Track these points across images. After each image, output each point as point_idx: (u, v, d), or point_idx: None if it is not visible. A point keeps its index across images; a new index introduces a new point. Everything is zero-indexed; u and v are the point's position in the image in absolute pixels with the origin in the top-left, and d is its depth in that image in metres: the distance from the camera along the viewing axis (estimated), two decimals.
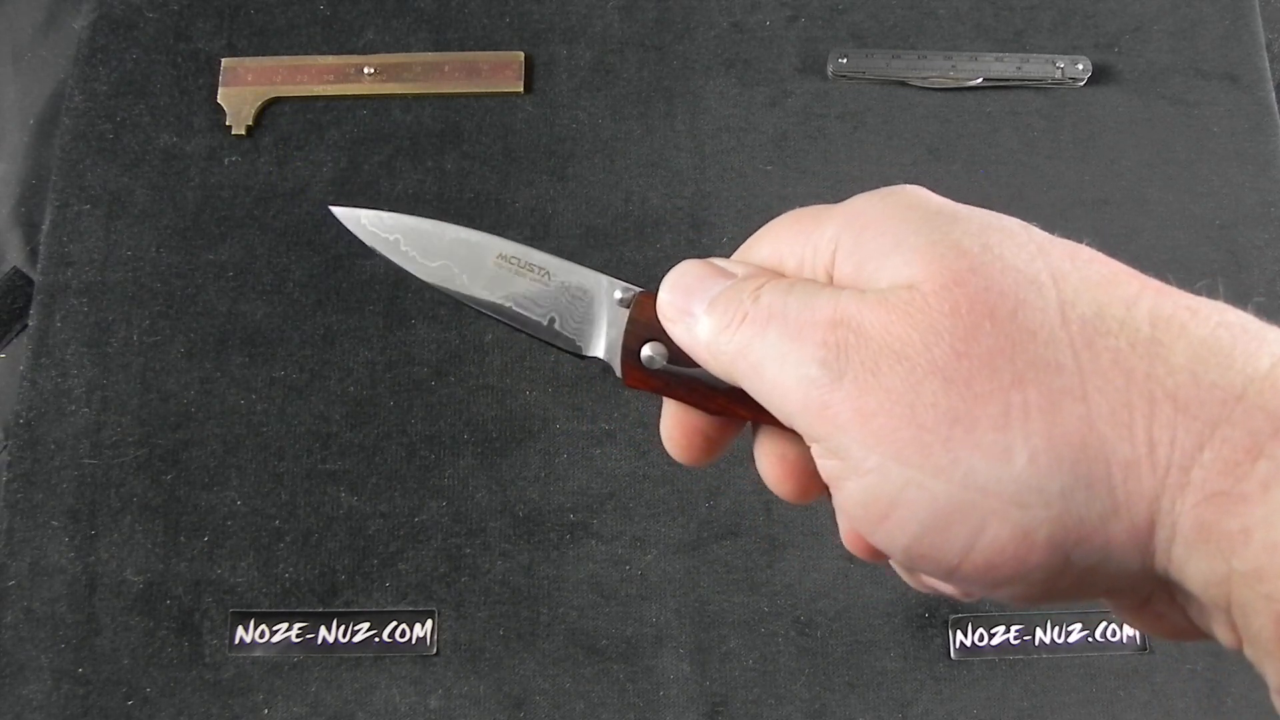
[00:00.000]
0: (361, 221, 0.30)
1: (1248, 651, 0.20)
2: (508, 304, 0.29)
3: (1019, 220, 0.22)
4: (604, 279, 0.29)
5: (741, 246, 0.27)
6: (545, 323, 0.29)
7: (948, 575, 0.21)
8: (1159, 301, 0.20)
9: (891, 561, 0.25)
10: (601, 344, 0.29)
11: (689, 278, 0.26)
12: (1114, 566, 0.20)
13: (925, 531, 0.21)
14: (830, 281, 0.24)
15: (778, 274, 0.25)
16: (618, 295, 0.29)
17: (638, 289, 0.29)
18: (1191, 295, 0.21)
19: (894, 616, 0.51)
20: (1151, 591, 0.21)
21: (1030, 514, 0.19)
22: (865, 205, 0.23)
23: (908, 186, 0.24)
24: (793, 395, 0.22)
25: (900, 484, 0.20)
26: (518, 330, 0.29)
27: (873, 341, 0.21)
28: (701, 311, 0.25)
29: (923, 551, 0.21)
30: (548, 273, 0.30)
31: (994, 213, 0.22)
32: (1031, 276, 0.20)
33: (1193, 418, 0.19)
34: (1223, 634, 0.20)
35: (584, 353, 0.29)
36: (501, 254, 0.30)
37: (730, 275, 0.25)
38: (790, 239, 0.25)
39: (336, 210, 0.31)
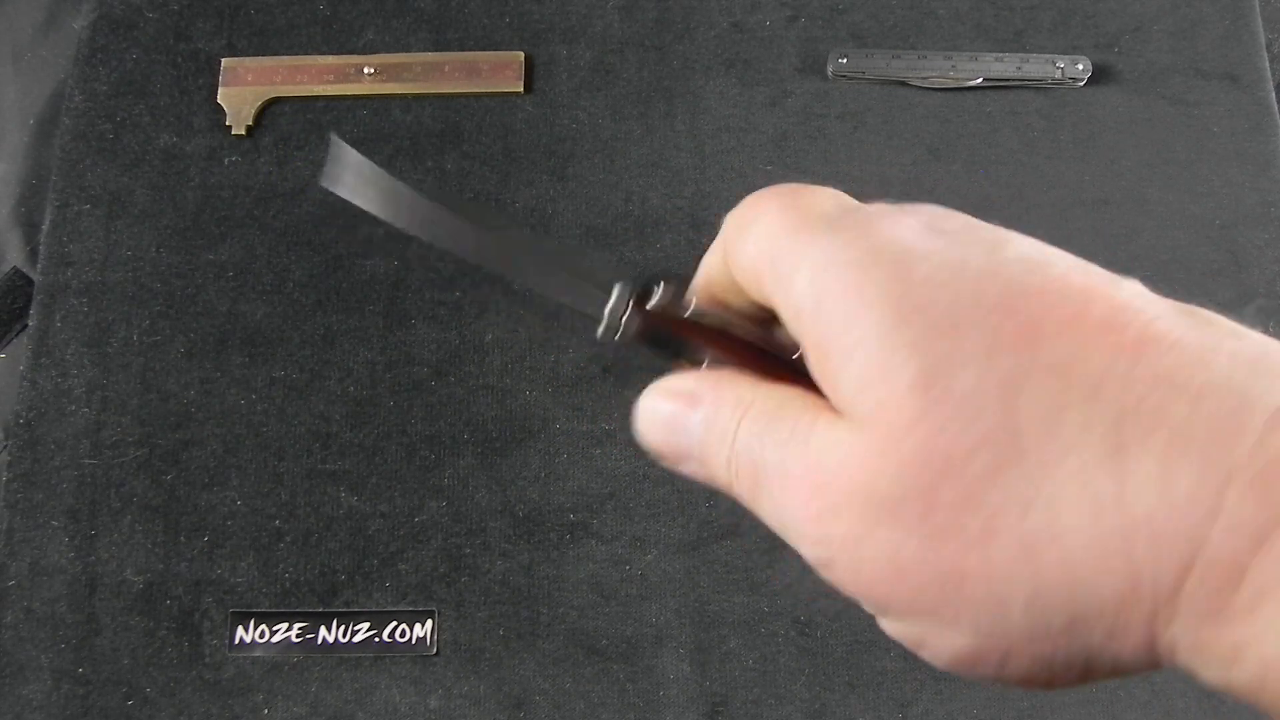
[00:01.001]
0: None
1: None
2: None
3: (986, 265, 0.20)
4: (606, 280, 0.26)
5: (729, 240, 0.24)
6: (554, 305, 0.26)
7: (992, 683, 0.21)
8: (1133, 372, 0.18)
9: None
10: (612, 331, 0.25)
11: (657, 429, 0.24)
12: (1130, 668, 0.19)
13: (957, 664, 0.20)
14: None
15: (740, 382, 0.23)
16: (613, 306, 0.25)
17: (626, 307, 0.25)
18: (1188, 326, 0.19)
19: None
20: None
21: (1042, 646, 0.19)
22: (831, 267, 0.21)
23: (879, 228, 0.21)
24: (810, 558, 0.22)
25: (919, 631, 0.20)
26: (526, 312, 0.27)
27: (853, 506, 0.20)
28: (698, 467, 0.24)
29: (961, 672, 0.21)
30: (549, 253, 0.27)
31: (967, 264, 0.20)
32: (982, 399, 0.19)
33: (1174, 538, 0.18)
34: None
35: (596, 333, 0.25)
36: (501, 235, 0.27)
37: (691, 399, 0.23)
38: (771, 248, 0.23)
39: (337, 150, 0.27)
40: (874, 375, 0.20)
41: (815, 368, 0.21)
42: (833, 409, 0.21)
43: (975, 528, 0.19)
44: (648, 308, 0.24)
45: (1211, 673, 0.18)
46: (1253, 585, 0.17)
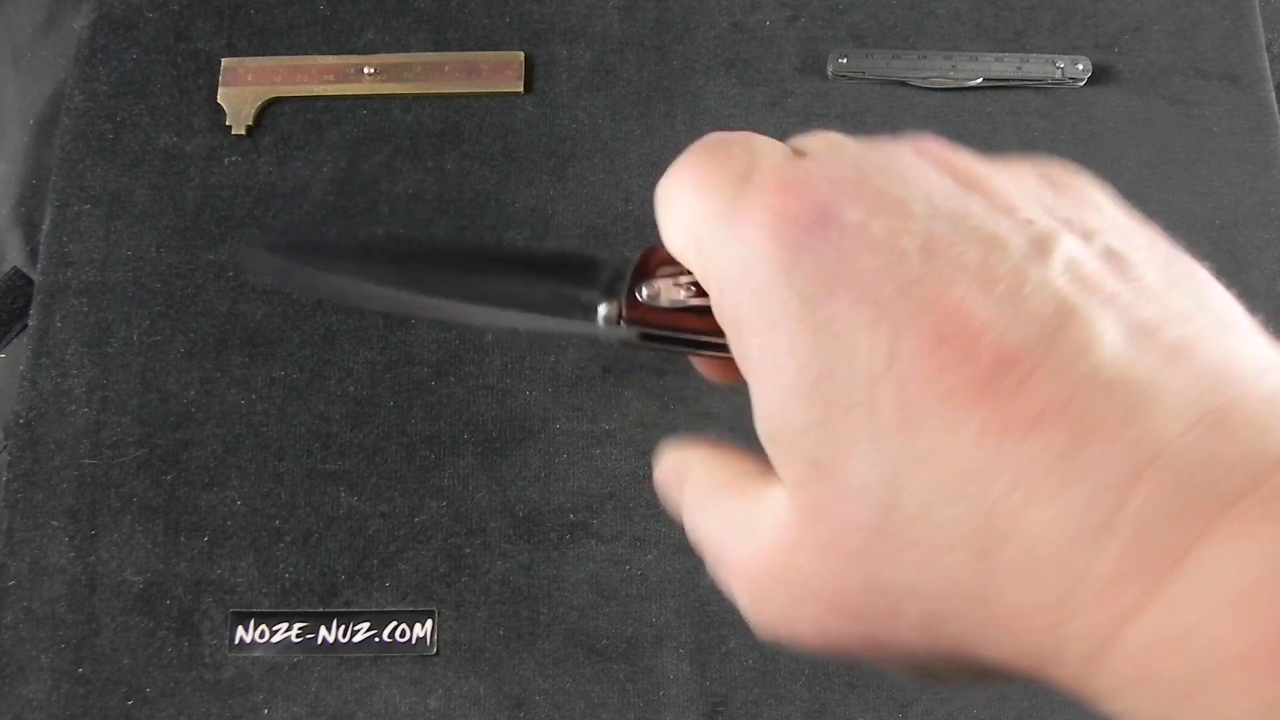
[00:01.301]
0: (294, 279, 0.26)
1: None
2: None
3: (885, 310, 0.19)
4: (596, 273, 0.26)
5: (660, 225, 0.24)
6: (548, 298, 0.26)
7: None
8: (992, 493, 0.18)
9: None
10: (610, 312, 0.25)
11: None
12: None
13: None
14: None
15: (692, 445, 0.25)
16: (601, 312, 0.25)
17: (616, 310, 0.25)
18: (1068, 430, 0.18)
19: None
20: None
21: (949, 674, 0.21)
22: (731, 280, 0.21)
23: (784, 206, 0.20)
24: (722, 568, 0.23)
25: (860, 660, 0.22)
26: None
27: (782, 589, 0.21)
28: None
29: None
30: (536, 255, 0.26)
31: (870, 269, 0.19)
32: (873, 494, 0.19)
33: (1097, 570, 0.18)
34: None
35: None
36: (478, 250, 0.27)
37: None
38: (691, 241, 0.23)
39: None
40: (782, 435, 0.20)
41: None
42: (766, 469, 0.22)
43: (882, 609, 0.20)
44: (630, 315, 0.24)
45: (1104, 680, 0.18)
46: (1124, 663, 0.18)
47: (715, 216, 0.22)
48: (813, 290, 0.20)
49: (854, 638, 0.21)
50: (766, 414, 0.21)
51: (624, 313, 0.25)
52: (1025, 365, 0.18)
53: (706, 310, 0.23)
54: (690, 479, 0.24)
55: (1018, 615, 0.18)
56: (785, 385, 0.20)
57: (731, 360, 0.22)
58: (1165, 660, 0.17)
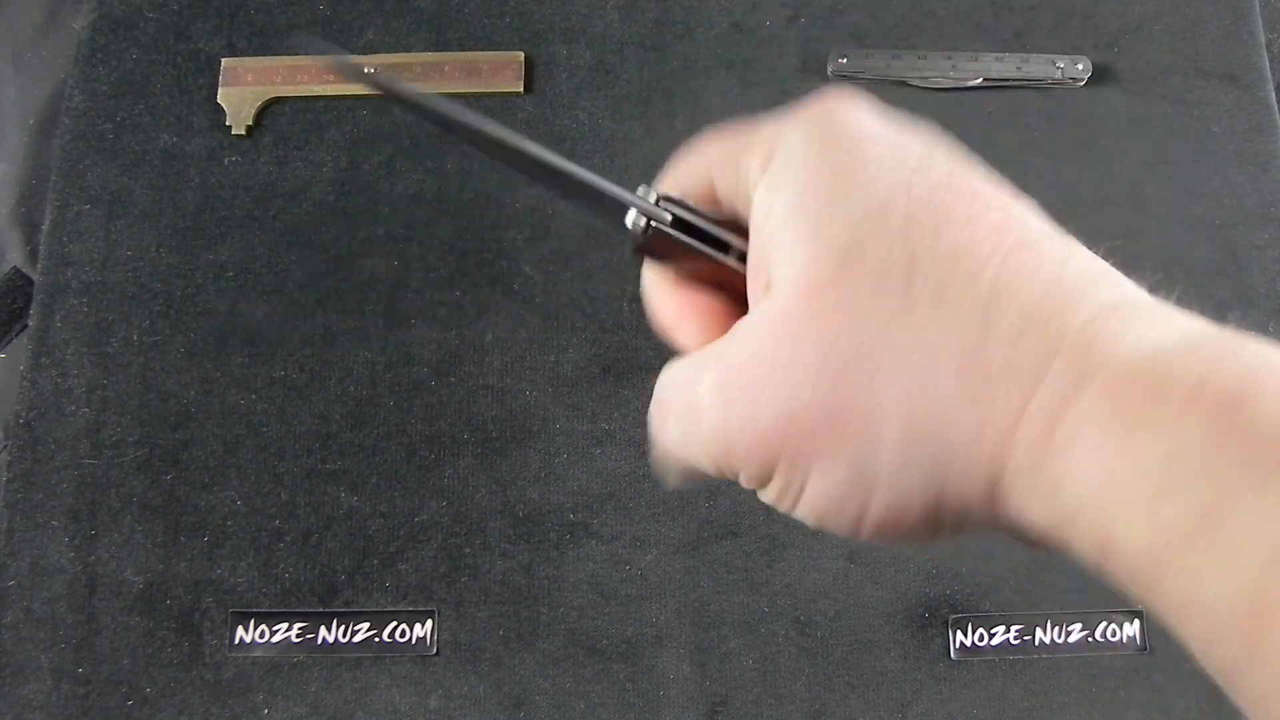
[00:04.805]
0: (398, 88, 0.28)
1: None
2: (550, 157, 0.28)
3: (923, 162, 0.25)
4: (609, 191, 0.28)
5: (673, 170, 0.29)
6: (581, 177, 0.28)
7: (853, 534, 0.25)
8: (1006, 263, 0.23)
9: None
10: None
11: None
12: (976, 518, 0.23)
13: (825, 511, 0.24)
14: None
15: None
16: (628, 222, 0.28)
17: (646, 215, 0.28)
18: (1054, 242, 0.24)
19: (894, 616, 0.51)
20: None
21: (903, 487, 0.23)
22: (786, 154, 0.25)
23: (835, 117, 0.26)
24: (704, 438, 0.25)
25: (799, 480, 0.24)
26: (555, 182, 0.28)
27: (755, 365, 0.24)
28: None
29: (824, 525, 0.25)
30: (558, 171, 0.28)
31: (909, 156, 0.25)
32: (890, 271, 0.23)
33: (1016, 388, 0.22)
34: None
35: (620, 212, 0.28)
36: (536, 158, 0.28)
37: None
38: (718, 164, 0.28)
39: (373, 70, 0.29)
40: (808, 238, 0.24)
41: (756, 238, 0.25)
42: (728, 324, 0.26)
43: (866, 370, 0.23)
44: (663, 214, 0.28)
45: (1036, 512, 0.22)
46: (1067, 426, 0.21)
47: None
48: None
49: (818, 405, 0.23)
50: (804, 213, 0.24)
51: (657, 198, 0.28)
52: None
53: (726, 228, 0.27)
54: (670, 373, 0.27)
55: (1000, 370, 0.22)
56: (825, 193, 0.24)
57: (714, 300, 0.28)
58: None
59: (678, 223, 0.28)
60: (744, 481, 0.25)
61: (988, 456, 0.22)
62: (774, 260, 0.24)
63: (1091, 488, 0.21)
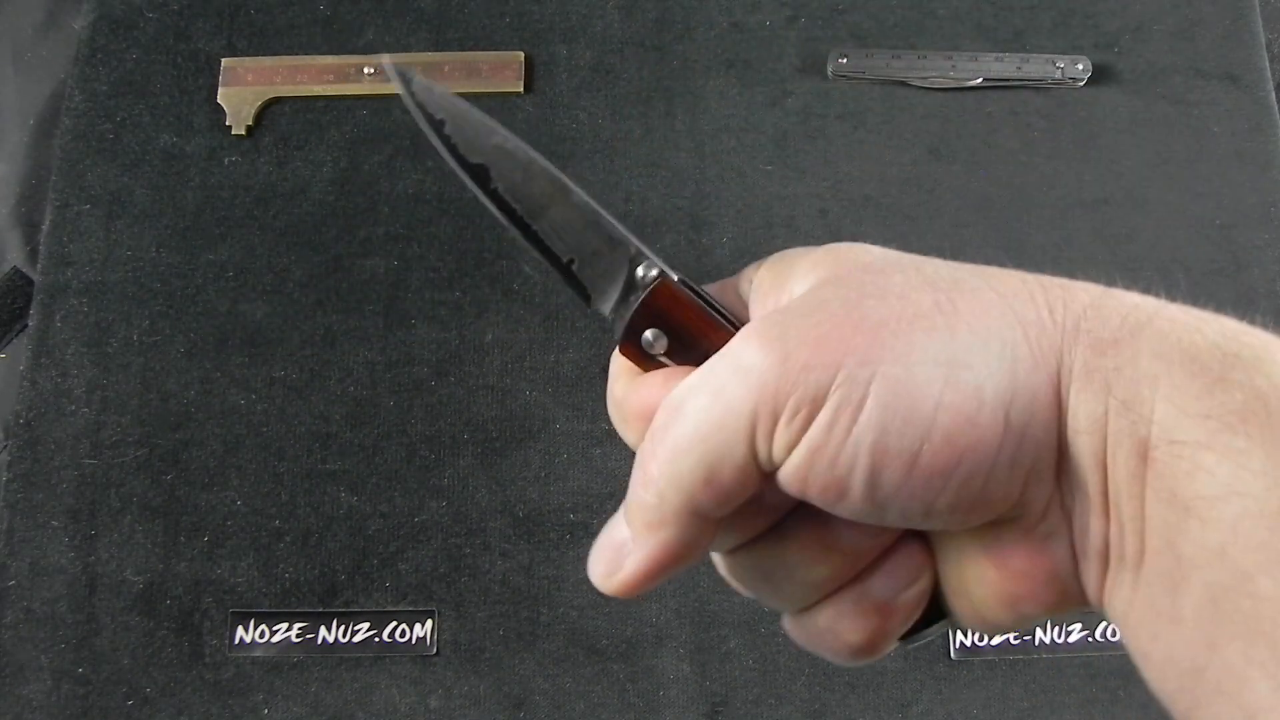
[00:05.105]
0: (413, 88, 0.28)
1: (1113, 556, 0.24)
2: (535, 225, 0.29)
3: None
4: (634, 244, 0.29)
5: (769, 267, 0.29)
6: (565, 260, 0.29)
7: (908, 473, 0.23)
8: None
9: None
10: (610, 304, 0.28)
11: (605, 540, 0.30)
12: (1039, 429, 0.23)
13: (890, 426, 0.23)
14: None
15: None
16: (639, 273, 0.28)
17: (662, 269, 0.28)
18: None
19: None
20: (1050, 498, 0.24)
21: (975, 373, 0.23)
22: (817, 272, 0.27)
23: (849, 254, 0.27)
24: (743, 384, 0.24)
25: (865, 380, 0.23)
26: (531, 255, 0.28)
27: (797, 305, 0.25)
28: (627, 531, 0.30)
29: (888, 445, 0.23)
30: (584, 213, 0.29)
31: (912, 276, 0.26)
32: (920, 271, 0.25)
33: (1075, 298, 0.24)
34: (1096, 543, 0.24)
35: (590, 305, 0.29)
36: (545, 175, 0.29)
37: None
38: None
39: (388, 64, 0.29)
40: (827, 263, 0.26)
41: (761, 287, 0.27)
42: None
43: (926, 291, 0.24)
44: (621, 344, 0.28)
45: (1092, 402, 0.23)
46: (1132, 321, 0.23)
47: None
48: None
49: (884, 314, 0.24)
50: (816, 259, 0.27)
51: (618, 336, 0.28)
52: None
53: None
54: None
55: (1061, 285, 0.25)
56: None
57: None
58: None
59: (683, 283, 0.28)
60: (784, 424, 0.23)
61: (1052, 347, 0.23)
62: (793, 275, 0.27)
63: (1148, 375, 0.22)
